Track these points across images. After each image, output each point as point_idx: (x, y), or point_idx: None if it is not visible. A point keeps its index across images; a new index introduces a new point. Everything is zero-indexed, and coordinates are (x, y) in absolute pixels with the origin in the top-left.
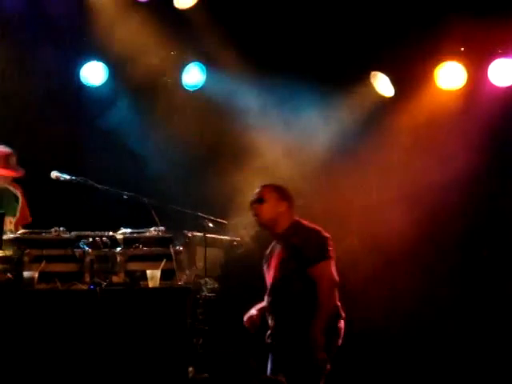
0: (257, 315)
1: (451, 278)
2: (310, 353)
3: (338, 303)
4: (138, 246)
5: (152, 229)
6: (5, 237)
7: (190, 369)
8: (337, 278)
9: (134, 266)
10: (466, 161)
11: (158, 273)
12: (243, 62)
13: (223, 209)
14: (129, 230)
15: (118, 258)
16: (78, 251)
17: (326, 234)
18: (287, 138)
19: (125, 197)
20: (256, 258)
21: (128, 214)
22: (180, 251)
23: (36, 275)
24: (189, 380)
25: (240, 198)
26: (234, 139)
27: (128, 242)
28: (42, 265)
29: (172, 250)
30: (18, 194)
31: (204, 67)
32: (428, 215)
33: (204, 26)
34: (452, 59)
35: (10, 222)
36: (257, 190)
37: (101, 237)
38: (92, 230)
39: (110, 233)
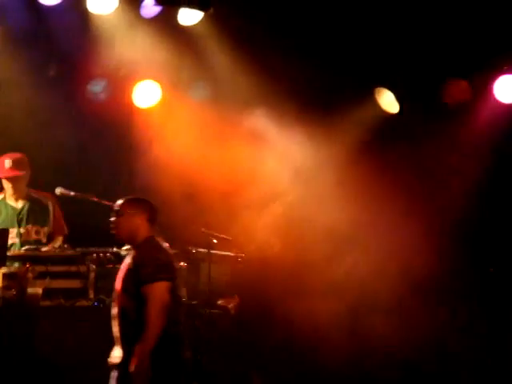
0: None
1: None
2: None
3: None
4: None
5: None
6: (9, 253)
7: None
8: (168, 301)
9: None
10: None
11: None
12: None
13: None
14: None
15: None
16: (82, 267)
17: (170, 258)
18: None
19: None
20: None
21: None
22: (185, 267)
23: (40, 291)
24: None
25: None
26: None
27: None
28: (47, 281)
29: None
30: (50, 204)
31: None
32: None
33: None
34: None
35: (41, 233)
36: (117, 203)
37: (105, 253)
38: (97, 247)
39: (115, 249)
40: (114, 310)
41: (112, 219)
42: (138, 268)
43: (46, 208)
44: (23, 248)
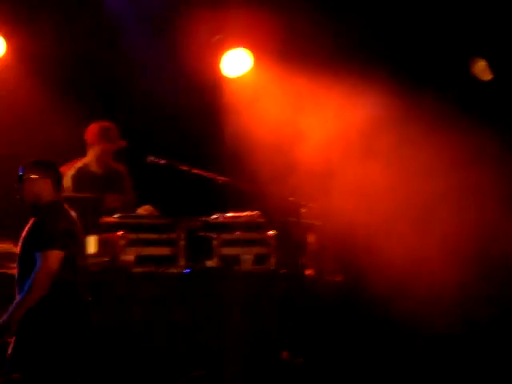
0: None
1: None
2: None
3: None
4: (233, 231)
5: (246, 213)
6: (102, 220)
7: (285, 353)
8: (55, 270)
9: (228, 251)
10: None
11: (251, 257)
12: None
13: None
14: (223, 215)
15: (213, 242)
16: (173, 235)
17: (71, 225)
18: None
19: (220, 182)
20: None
21: (223, 199)
22: (274, 236)
23: (132, 258)
24: (283, 364)
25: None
26: None
27: (222, 226)
28: (139, 248)
29: (266, 235)
30: (122, 171)
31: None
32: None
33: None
34: None
35: (120, 201)
36: (19, 168)
37: (195, 221)
38: (187, 215)
39: (205, 217)
40: (15, 273)
41: (15, 185)
42: (35, 233)
43: (123, 177)
44: (115, 215)
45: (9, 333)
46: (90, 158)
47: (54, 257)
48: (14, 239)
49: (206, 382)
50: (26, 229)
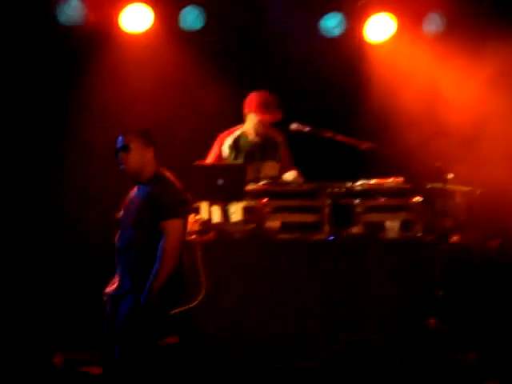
0: None
1: None
2: (146, 310)
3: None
4: (377, 197)
5: (391, 180)
6: (247, 187)
7: (432, 320)
8: (184, 239)
9: (372, 217)
10: None
11: (396, 224)
12: None
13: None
14: (367, 181)
15: (357, 209)
16: (317, 202)
17: (186, 195)
18: None
19: (364, 148)
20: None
21: (367, 165)
22: (419, 202)
23: (278, 225)
24: (430, 332)
25: None
26: None
27: (367, 192)
28: (284, 215)
29: (411, 201)
30: (279, 139)
31: None
32: None
33: None
34: None
35: (276, 168)
36: (120, 138)
37: (340, 188)
38: (331, 181)
39: (349, 184)
40: (120, 243)
41: (120, 154)
42: (155, 204)
43: (279, 144)
44: (261, 183)
45: (153, 303)
46: (247, 127)
47: (181, 225)
48: None
49: (361, 350)
50: (137, 201)
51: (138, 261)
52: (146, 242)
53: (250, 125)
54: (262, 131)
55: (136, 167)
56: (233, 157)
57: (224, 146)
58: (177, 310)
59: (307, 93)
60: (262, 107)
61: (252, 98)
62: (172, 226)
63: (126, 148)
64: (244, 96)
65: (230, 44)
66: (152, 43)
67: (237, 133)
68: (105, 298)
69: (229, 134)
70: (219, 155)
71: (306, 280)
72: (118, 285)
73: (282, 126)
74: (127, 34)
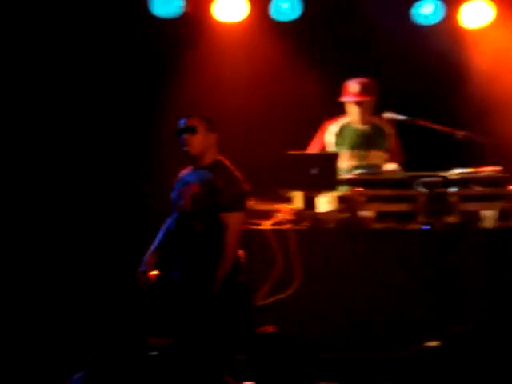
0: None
1: None
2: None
3: (241, 257)
4: (473, 186)
5: (488, 168)
6: (342, 176)
7: None
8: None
9: (468, 207)
10: None
11: (493, 214)
12: None
13: None
14: (463, 170)
15: (453, 199)
16: (412, 191)
17: (247, 186)
18: None
19: (459, 136)
20: None
21: (462, 154)
22: None
23: (372, 214)
24: None
25: None
26: None
27: (463, 182)
28: (378, 205)
29: (509, 191)
30: (388, 129)
31: None
32: None
33: None
34: None
35: (381, 158)
36: (185, 119)
37: (435, 177)
38: (426, 171)
39: (444, 173)
40: (173, 225)
41: (185, 135)
42: (215, 193)
43: (386, 134)
44: (355, 172)
45: (215, 294)
46: (353, 115)
47: (242, 218)
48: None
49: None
50: (194, 186)
51: (192, 247)
52: (201, 228)
53: (352, 113)
54: (370, 119)
55: (200, 150)
56: (337, 145)
57: (328, 133)
58: (272, 299)
59: (404, 81)
60: (356, 93)
61: (346, 85)
62: (234, 218)
63: (192, 129)
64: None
65: (325, 35)
66: (247, 33)
67: (343, 121)
68: (144, 279)
69: (333, 122)
70: (322, 143)
71: (400, 269)
72: (167, 267)
73: (376, 114)
74: (222, 25)
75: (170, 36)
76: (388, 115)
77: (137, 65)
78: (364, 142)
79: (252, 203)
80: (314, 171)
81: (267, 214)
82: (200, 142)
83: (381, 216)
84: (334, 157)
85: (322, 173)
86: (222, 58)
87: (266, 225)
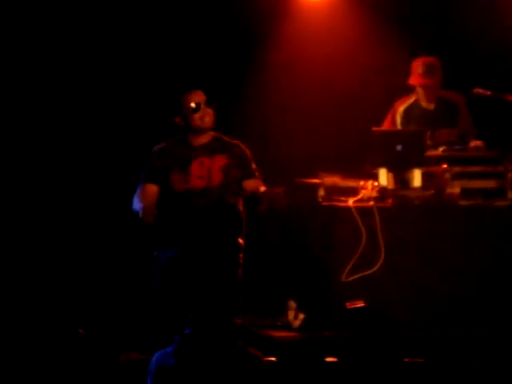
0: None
1: None
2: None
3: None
4: None
5: None
6: (427, 154)
7: None
8: None
9: None
10: None
11: None
12: None
13: None
14: None
15: None
16: (499, 168)
17: None
18: None
19: None
20: None
21: None
22: None
23: (458, 191)
24: None
25: None
26: None
27: None
28: (464, 181)
29: None
30: (460, 105)
31: None
32: None
33: None
34: None
35: (451, 135)
36: (195, 94)
37: None
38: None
39: None
40: (207, 201)
41: (206, 109)
42: (246, 164)
43: (456, 109)
44: (440, 149)
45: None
46: (420, 94)
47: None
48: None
49: None
50: (218, 159)
51: (228, 221)
52: (235, 201)
53: (420, 93)
54: (438, 96)
55: (212, 124)
56: (404, 125)
57: (397, 114)
58: (356, 276)
59: (488, 56)
60: (423, 74)
61: (413, 66)
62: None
63: (210, 103)
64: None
65: (407, 10)
66: (330, 10)
67: (409, 100)
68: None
69: (403, 102)
70: (393, 123)
71: (487, 246)
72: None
73: (462, 90)
74: (306, 2)
75: (254, 13)
76: (476, 90)
77: (222, 43)
78: (430, 120)
79: (337, 180)
80: (400, 148)
81: (352, 191)
82: (213, 115)
83: (466, 193)
84: (421, 134)
85: (408, 150)
86: (306, 35)
87: (351, 202)
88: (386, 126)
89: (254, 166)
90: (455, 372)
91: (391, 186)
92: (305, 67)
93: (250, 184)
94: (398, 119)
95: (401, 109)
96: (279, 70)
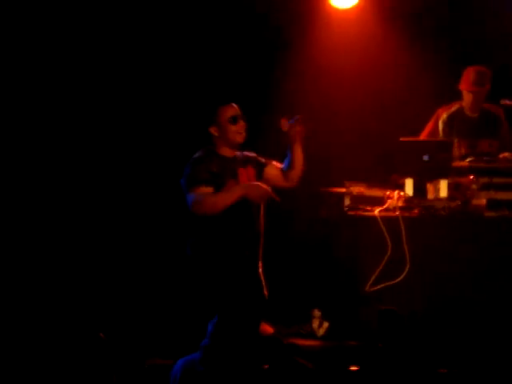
0: None
1: None
2: None
3: None
4: None
5: None
6: (454, 164)
7: None
8: None
9: None
10: None
11: None
12: None
13: None
14: None
15: None
16: None
17: None
18: None
19: None
20: None
21: None
22: None
23: (484, 202)
24: None
25: None
26: None
27: None
28: (491, 192)
29: None
30: (498, 115)
31: None
32: None
33: None
34: None
35: (493, 146)
36: (235, 106)
37: None
38: None
39: None
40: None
41: (242, 122)
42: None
43: (498, 121)
44: (467, 160)
45: None
46: (465, 102)
47: None
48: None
49: None
50: (249, 167)
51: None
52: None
53: (467, 100)
54: (481, 106)
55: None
56: (446, 132)
57: (440, 121)
58: (380, 286)
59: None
60: (474, 82)
61: (465, 73)
62: None
63: (246, 117)
64: (459, 72)
65: (442, 20)
66: (359, 19)
67: (453, 108)
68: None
69: (446, 109)
70: (435, 130)
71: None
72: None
73: (493, 101)
74: (335, 10)
75: (283, 20)
76: (505, 101)
77: (248, 47)
78: (473, 130)
79: (363, 189)
80: (427, 158)
81: (378, 201)
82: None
83: (492, 204)
84: (449, 144)
85: (435, 160)
86: (334, 44)
87: (376, 211)
88: (427, 131)
89: (262, 157)
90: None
91: (417, 196)
92: (332, 76)
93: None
94: (441, 125)
95: (444, 115)
96: (306, 79)
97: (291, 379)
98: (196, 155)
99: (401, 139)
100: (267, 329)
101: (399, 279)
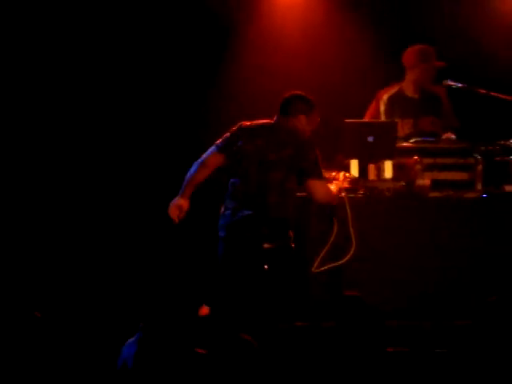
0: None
1: None
2: None
3: None
4: None
5: None
6: (398, 145)
7: None
8: None
9: None
10: None
11: None
12: None
13: None
14: None
15: (511, 167)
16: (469, 160)
17: None
18: None
19: None
20: None
21: None
22: None
23: (428, 183)
24: None
25: None
26: None
27: None
28: (435, 173)
29: None
30: (440, 93)
31: None
32: None
33: None
34: None
35: (437, 124)
36: None
37: (494, 145)
38: (485, 139)
39: (503, 141)
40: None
41: None
42: None
43: (438, 100)
44: (411, 140)
45: None
46: (406, 82)
47: None
48: None
49: None
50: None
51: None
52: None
53: (409, 80)
54: (422, 86)
55: None
56: (387, 113)
57: (380, 102)
58: (326, 268)
59: (463, 49)
60: (421, 59)
61: (409, 52)
62: None
63: None
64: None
65: (388, 3)
66: (304, 3)
67: (393, 90)
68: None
69: (387, 91)
70: (376, 112)
71: (457, 238)
72: None
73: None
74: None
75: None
76: (447, 82)
77: (197, 37)
78: (415, 109)
79: None
80: (371, 139)
81: None
82: None
83: (437, 185)
84: (393, 125)
85: (380, 141)
86: (280, 29)
87: None
88: (369, 113)
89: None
90: (439, 361)
91: (362, 177)
92: (278, 59)
93: None
94: (382, 107)
95: (385, 97)
96: (251, 69)
97: (235, 357)
98: None
99: (345, 120)
100: (203, 310)
101: (345, 260)
